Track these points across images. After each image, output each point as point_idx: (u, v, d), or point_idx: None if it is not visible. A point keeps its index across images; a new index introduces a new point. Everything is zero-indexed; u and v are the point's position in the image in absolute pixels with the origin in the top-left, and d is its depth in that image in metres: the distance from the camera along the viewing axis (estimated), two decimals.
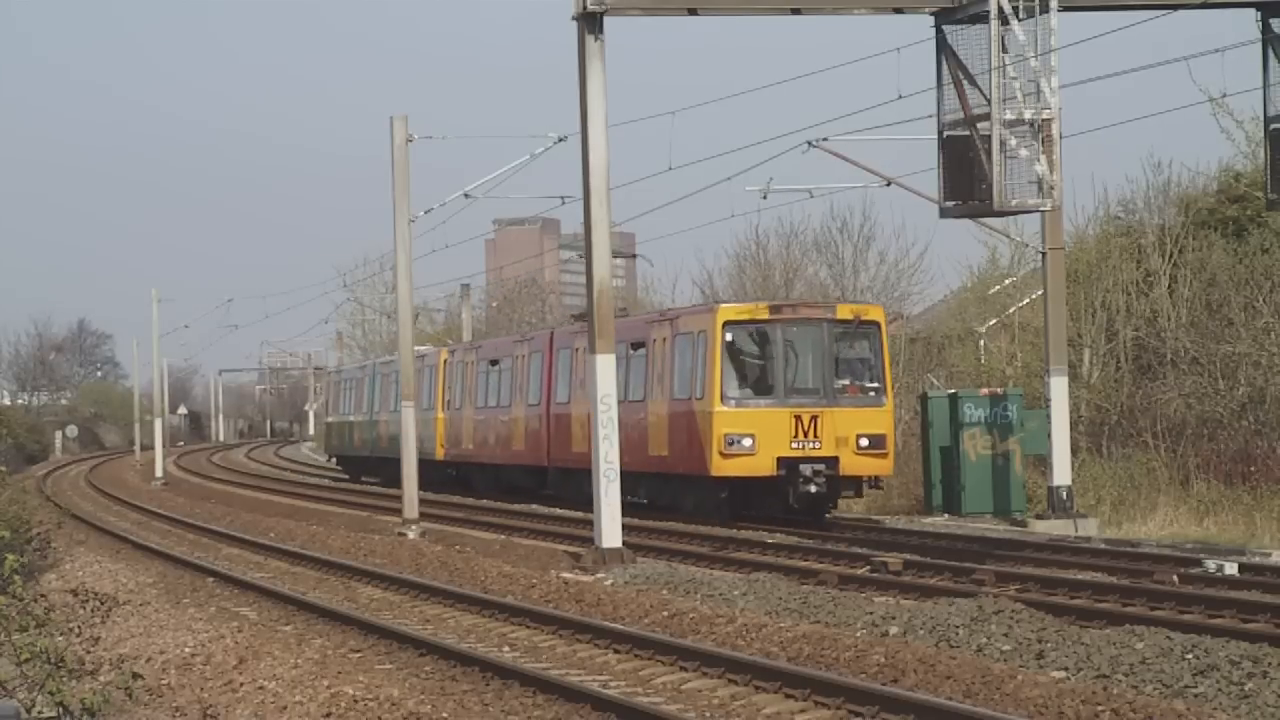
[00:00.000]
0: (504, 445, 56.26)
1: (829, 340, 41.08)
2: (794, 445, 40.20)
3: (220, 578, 34.04)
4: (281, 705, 19.14)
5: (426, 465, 53.29)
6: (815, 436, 40.20)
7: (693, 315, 43.71)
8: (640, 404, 44.54)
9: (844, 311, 41.83)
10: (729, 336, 41.13)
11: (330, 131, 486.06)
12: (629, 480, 38.12)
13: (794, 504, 40.59)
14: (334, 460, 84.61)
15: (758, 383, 41.33)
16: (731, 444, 40.39)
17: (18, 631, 16.83)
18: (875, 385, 41.18)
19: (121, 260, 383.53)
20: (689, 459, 42.18)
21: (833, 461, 40.22)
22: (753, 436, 40.38)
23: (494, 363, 57.67)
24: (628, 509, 36.85)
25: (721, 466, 40.74)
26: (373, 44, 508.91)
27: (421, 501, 45.21)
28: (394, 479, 53.74)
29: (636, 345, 45.19)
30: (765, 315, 41.46)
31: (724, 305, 43.23)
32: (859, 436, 40.35)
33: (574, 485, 48.99)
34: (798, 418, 40.28)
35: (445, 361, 62.39)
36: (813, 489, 40.19)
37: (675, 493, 44.48)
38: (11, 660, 16.77)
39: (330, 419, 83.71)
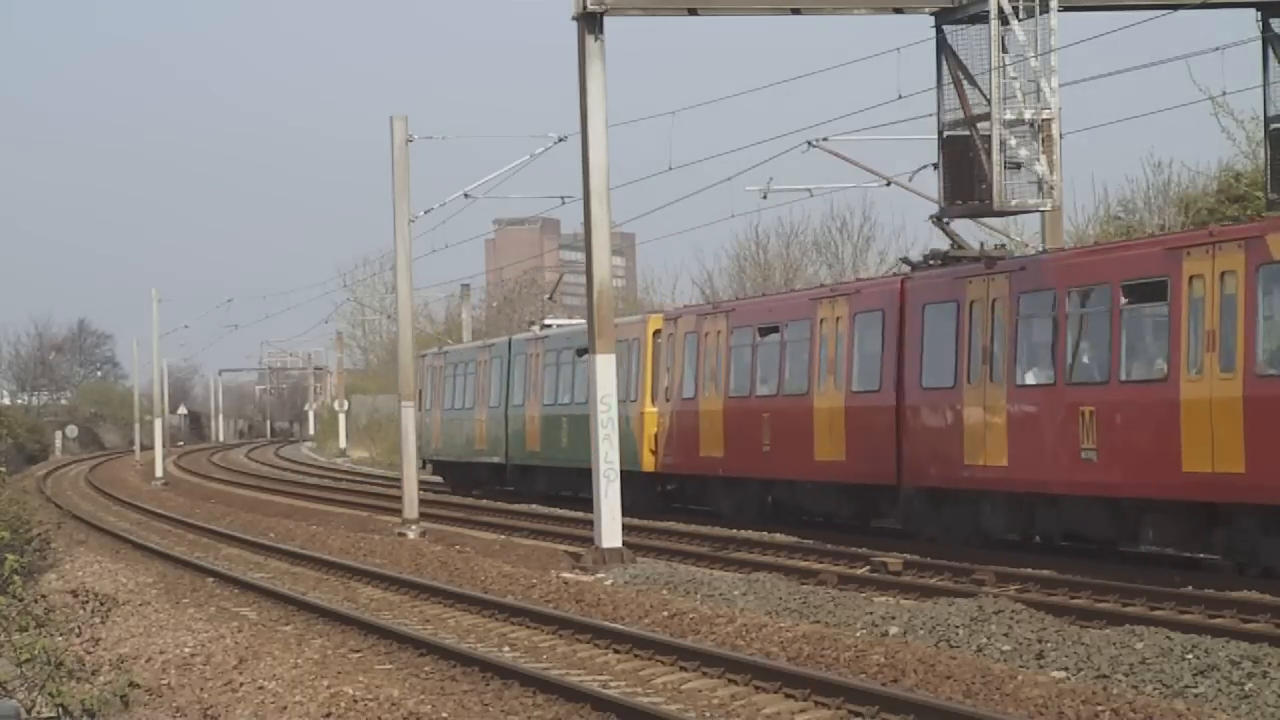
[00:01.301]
0: (795, 451, 37.84)
1: None
2: None
3: (220, 578, 34.04)
4: (281, 705, 19.14)
5: (626, 479, 37.81)
6: None
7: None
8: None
9: None
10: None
11: (330, 131, 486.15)
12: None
13: None
14: (429, 468, 64.58)
15: None
16: None
17: (18, 632, 16.84)
18: None
19: (121, 260, 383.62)
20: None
21: None
22: None
23: (767, 332, 39.99)
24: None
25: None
26: (373, 44, 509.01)
27: (428, 503, 45.22)
28: (579, 495, 48.95)
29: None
30: None
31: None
32: None
33: (962, 519, 32.91)
34: None
35: (660, 334, 45.15)
36: None
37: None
38: (11, 661, 16.77)
39: (433, 415, 63.31)
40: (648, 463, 44.75)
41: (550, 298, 62.24)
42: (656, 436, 44.20)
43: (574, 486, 50.87)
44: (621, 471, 38.36)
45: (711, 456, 41.52)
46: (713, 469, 41.74)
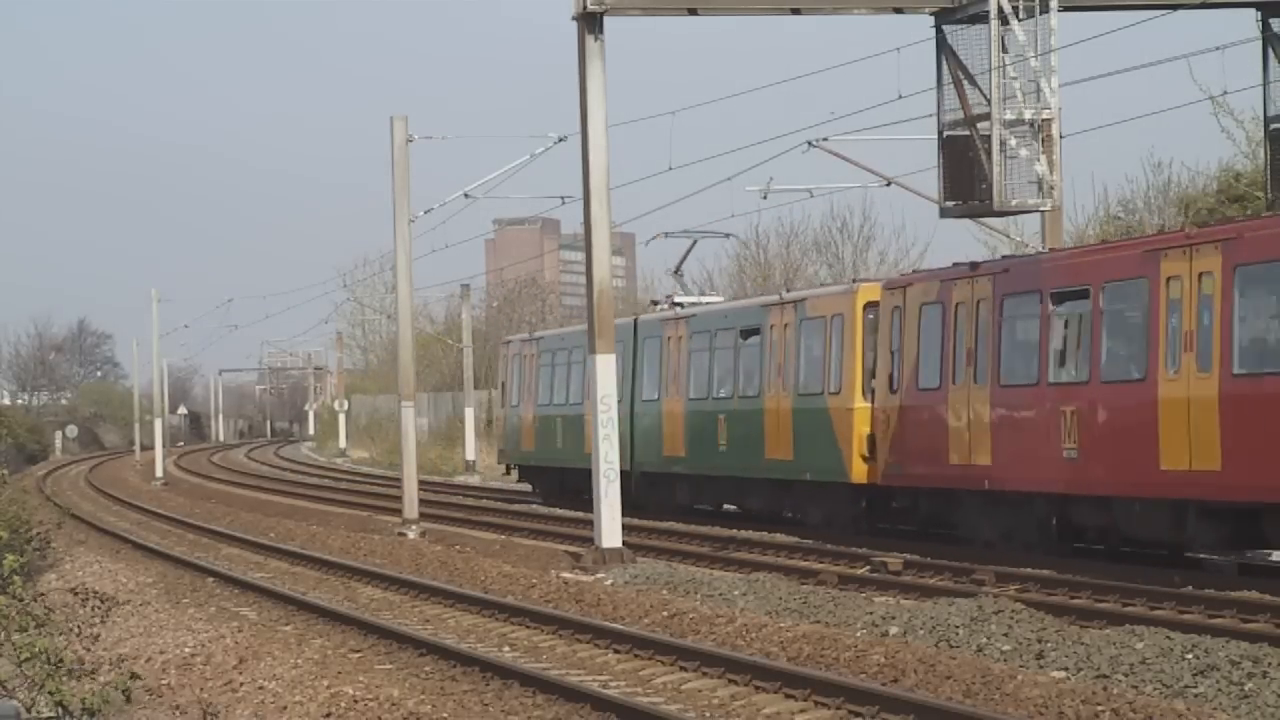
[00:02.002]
0: (1122, 455, 28.07)
1: None
2: None
3: (220, 578, 34.04)
4: (281, 705, 19.15)
5: (820, 492, 36.90)
6: None
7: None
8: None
9: None
10: None
11: (330, 132, 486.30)
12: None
13: None
14: (513, 473, 56.72)
15: None
16: None
17: (18, 631, 16.84)
18: None
19: (121, 260, 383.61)
20: None
21: None
22: None
23: (1068, 298, 29.64)
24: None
25: None
26: (373, 44, 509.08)
27: (427, 504, 45.17)
28: (744, 508, 41.93)
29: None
30: None
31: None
32: None
33: None
34: None
35: (875, 307, 35.64)
36: None
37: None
38: (11, 660, 16.77)
39: (522, 412, 53.45)
40: (858, 473, 35.43)
41: (676, 272, 49.60)
42: (872, 439, 35.23)
43: (736, 496, 42.75)
44: (818, 484, 36.66)
45: (970, 465, 31.66)
46: (971, 481, 31.73)
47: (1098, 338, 28.47)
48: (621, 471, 33.31)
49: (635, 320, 47.12)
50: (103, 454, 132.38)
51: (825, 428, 36.56)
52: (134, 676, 17.05)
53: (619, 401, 36.44)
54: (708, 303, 46.33)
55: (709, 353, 42.28)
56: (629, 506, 36.19)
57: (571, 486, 49.80)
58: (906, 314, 33.91)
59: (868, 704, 17.84)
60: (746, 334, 40.47)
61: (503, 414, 52.53)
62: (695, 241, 48.00)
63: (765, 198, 44.90)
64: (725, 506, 44.07)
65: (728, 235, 52.99)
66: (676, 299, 46.99)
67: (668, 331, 44.59)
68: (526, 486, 55.90)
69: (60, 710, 15.96)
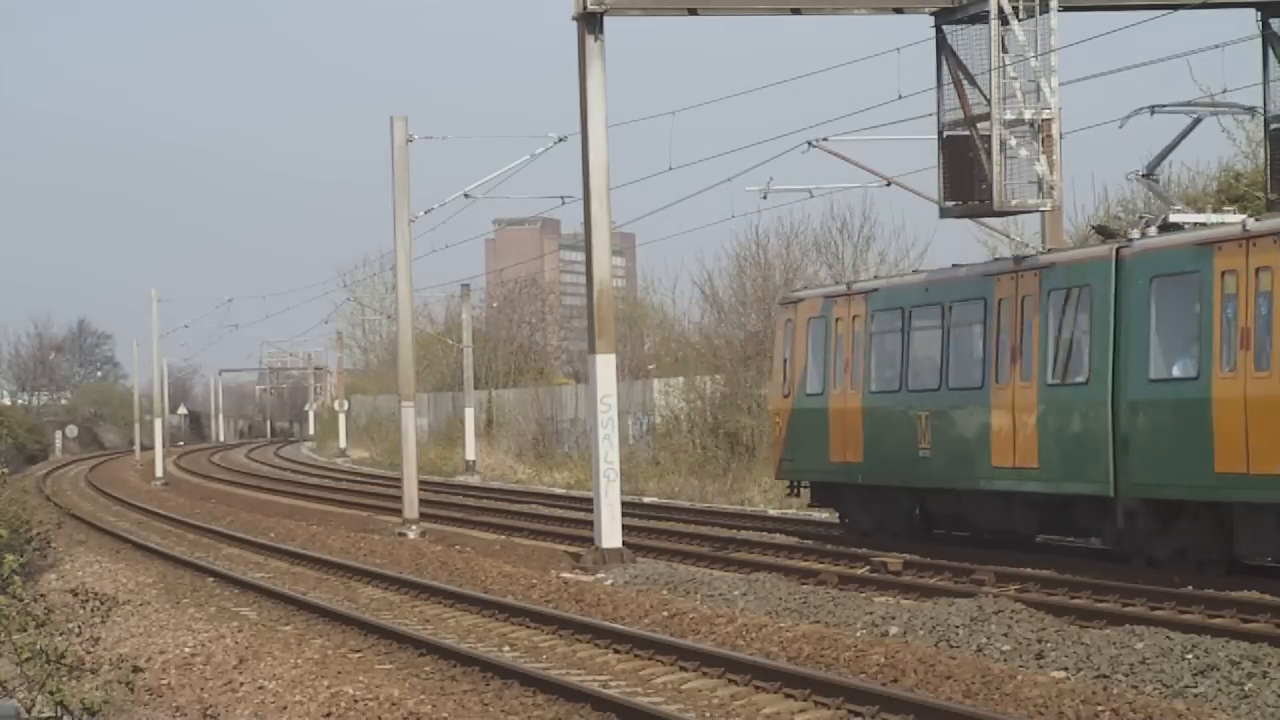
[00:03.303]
0: None
1: None
2: None
3: (220, 578, 34.05)
4: (281, 705, 19.15)
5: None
6: None
7: None
8: None
9: None
10: None
11: (330, 132, 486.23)
12: None
13: None
14: (800, 492, 38.44)
15: None
16: None
17: (18, 631, 16.82)
18: None
19: (121, 260, 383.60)
20: None
21: None
22: None
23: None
24: (636, 509, 34.55)
25: None
26: (373, 44, 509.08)
27: (428, 504, 45.18)
28: None
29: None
30: None
31: None
32: None
33: None
34: None
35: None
36: None
37: None
38: (11, 660, 16.76)
39: (828, 401, 36.38)
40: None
41: (1149, 175, 32.93)
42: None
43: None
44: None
45: None
46: None
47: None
48: (1086, 496, 28.21)
49: (1115, 255, 28.53)
50: (103, 454, 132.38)
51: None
52: (137, 669, 17.06)
53: (1077, 383, 28.88)
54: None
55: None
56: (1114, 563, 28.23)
57: (947, 517, 33.76)
58: None
59: (868, 704, 17.85)
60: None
61: (784, 405, 37.75)
62: (1197, 120, 31.74)
63: (765, 198, 44.75)
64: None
65: (1249, 109, 35.03)
66: (1174, 216, 29.12)
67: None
68: (825, 515, 40.01)
69: (60, 710, 15.95)
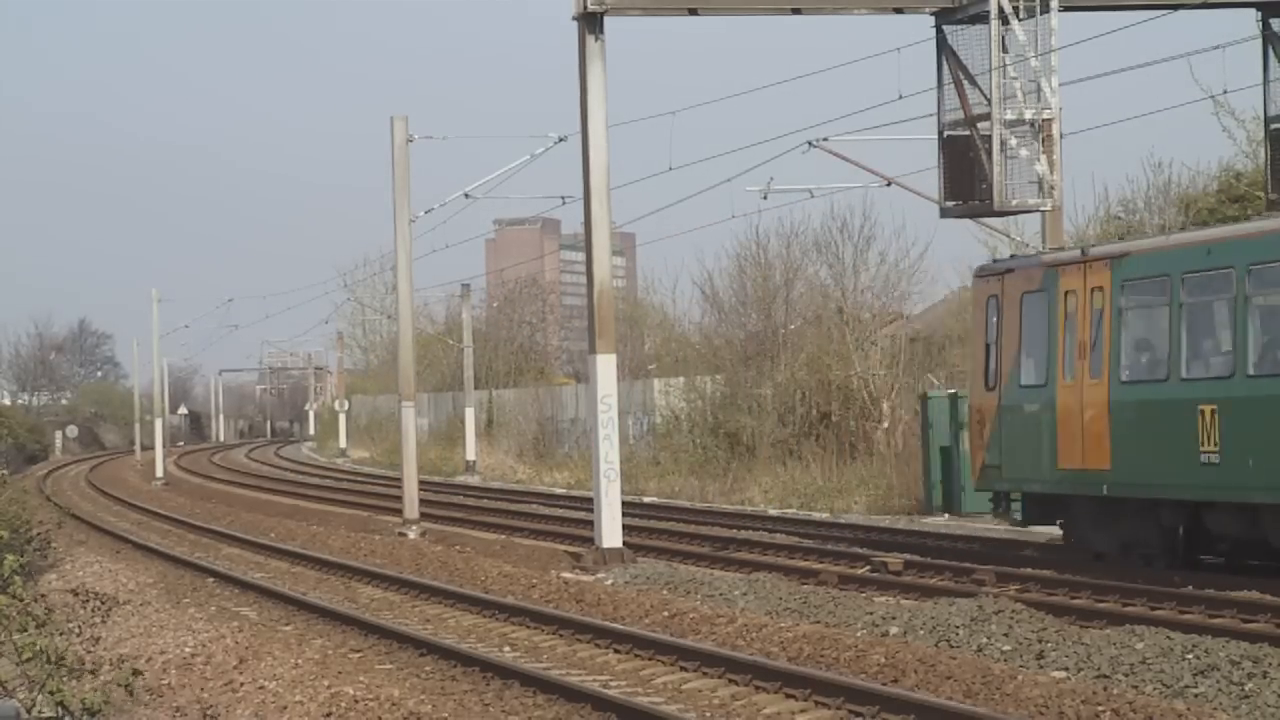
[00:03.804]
0: None
1: None
2: None
3: (220, 578, 34.05)
4: (281, 705, 19.15)
5: None
6: None
7: None
8: None
9: None
10: None
11: (331, 132, 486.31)
12: None
13: None
14: (1009, 505, 32.00)
15: None
16: None
17: (18, 631, 16.82)
18: None
19: (121, 260, 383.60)
20: None
21: None
22: None
23: None
24: (636, 509, 34.53)
25: None
26: (373, 44, 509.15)
27: (428, 504, 45.16)
28: None
29: None
30: None
31: None
32: None
33: None
34: None
35: None
36: None
37: None
38: (11, 660, 16.76)
39: (1057, 393, 29.42)
40: None
41: None
42: None
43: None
44: None
45: None
46: None
47: None
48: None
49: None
50: (103, 454, 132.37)
51: None
52: (136, 672, 17.06)
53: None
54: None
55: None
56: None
57: (1234, 538, 27.26)
58: None
59: (868, 704, 17.85)
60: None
61: (988, 400, 31.44)
62: None
63: (765, 198, 44.75)
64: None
65: None
66: None
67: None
68: (1047, 532, 32.76)
69: (60, 710, 15.95)
